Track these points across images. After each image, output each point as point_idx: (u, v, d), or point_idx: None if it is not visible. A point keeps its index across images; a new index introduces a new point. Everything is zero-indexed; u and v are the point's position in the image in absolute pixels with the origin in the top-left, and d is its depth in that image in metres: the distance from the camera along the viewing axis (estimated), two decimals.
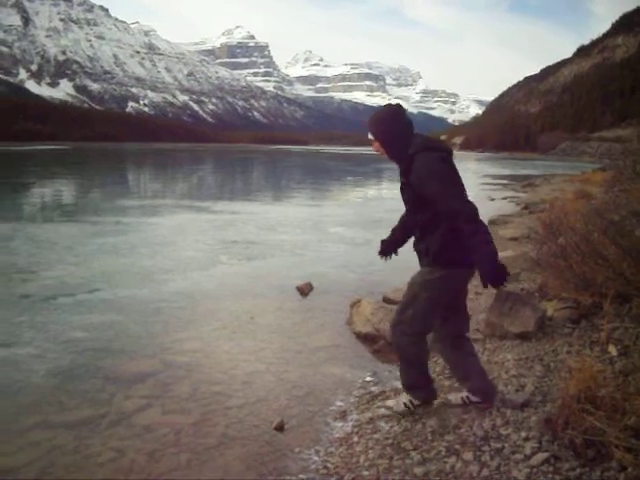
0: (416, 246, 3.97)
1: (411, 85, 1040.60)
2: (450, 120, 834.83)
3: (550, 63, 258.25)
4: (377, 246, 4.35)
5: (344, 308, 6.88)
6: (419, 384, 4.10)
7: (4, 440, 3.99)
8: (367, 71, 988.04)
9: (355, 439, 3.87)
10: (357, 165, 67.18)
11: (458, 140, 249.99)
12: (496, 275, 3.43)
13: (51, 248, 11.10)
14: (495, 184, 35.10)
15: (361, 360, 5.51)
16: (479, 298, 7.17)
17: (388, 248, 4.34)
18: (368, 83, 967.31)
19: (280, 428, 4.11)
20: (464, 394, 4.13)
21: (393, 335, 3.99)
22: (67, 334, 6.07)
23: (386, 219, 16.64)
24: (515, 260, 8.95)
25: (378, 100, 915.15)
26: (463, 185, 3.66)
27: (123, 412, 4.42)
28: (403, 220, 4.36)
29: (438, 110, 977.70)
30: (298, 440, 3.97)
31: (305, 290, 7.94)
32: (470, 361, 4.03)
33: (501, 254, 9.72)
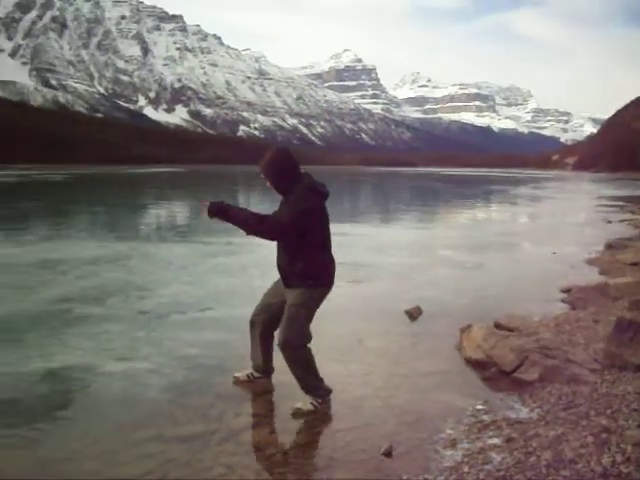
0: (286, 267, 4.77)
1: (522, 104, 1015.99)
2: (562, 139, 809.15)
3: None
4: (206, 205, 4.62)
5: (454, 333, 6.74)
6: (316, 385, 4.90)
7: (123, 450, 4.15)
8: (476, 91, 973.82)
9: (465, 469, 3.76)
10: (466, 187, 66.18)
11: (571, 160, 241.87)
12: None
13: (166, 267, 11.56)
14: (611, 206, 33.62)
15: (471, 387, 5.36)
16: (596, 326, 6.86)
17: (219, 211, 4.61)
18: (477, 103, 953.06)
19: (388, 454, 4.05)
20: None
21: (285, 352, 4.78)
22: (181, 350, 6.26)
23: (496, 242, 16.28)
24: (636, 287, 8.52)
25: (487, 120, 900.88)
26: (323, 223, 4.74)
27: (232, 429, 4.50)
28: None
29: (550, 129, 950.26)
30: (407, 467, 3.89)
31: (414, 314, 7.84)
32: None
33: (620, 280, 9.29)
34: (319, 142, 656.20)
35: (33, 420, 4.60)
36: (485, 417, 4.63)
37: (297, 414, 4.76)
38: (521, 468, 3.60)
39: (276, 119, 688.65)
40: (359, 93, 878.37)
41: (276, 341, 4.89)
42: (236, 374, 5.43)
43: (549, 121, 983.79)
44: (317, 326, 7.39)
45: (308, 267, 4.68)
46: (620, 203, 36.29)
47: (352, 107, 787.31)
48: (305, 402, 4.84)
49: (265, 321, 5.11)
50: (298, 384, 4.89)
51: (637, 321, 5.45)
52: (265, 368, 5.31)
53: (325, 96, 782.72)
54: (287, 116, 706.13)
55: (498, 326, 6.98)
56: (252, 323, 5.23)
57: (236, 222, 4.53)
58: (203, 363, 5.90)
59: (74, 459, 4.01)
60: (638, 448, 3.57)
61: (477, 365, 5.85)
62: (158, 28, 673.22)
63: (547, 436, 4.00)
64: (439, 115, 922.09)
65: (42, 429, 4.46)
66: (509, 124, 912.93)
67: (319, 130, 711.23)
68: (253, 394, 5.14)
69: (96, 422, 4.59)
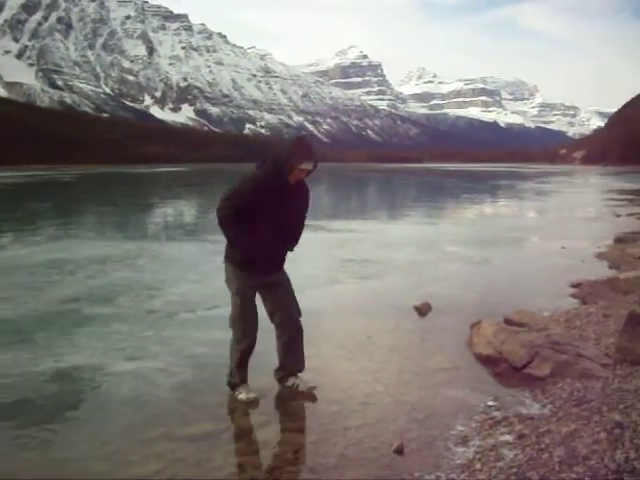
0: (281, 255, 5.19)
1: (528, 99, 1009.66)
2: (569, 134, 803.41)
3: None
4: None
5: (464, 329, 6.71)
6: None
7: (133, 450, 4.15)
8: (482, 86, 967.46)
9: (477, 466, 3.72)
10: (473, 182, 66.03)
11: (579, 154, 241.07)
12: None
13: (175, 266, 11.56)
14: (620, 199, 33.47)
15: (482, 383, 5.33)
16: (607, 321, 6.81)
17: None
18: (483, 98, 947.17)
19: (400, 451, 4.02)
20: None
21: (299, 325, 5.04)
22: (190, 349, 6.26)
23: (504, 237, 16.23)
24: None
25: (494, 115, 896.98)
26: None
27: (243, 428, 4.51)
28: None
29: (557, 124, 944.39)
30: (418, 464, 3.87)
31: (423, 310, 7.81)
32: None
33: (630, 274, 9.24)
34: (325, 139, 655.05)
35: (44, 421, 4.60)
36: (496, 413, 4.59)
37: (311, 388, 5.10)
38: (534, 465, 3.57)
39: (282, 117, 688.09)
40: (365, 90, 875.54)
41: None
42: (246, 398, 4.94)
43: (556, 115, 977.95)
44: (327, 323, 7.40)
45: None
46: (629, 197, 36.11)
47: (358, 104, 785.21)
48: (303, 383, 5.12)
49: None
50: (302, 357, 5.16)
51: None
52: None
53: (331, 93, 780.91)
54: (293, 114, 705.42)
55: (508, 322, 6.96)
56: (250, 347, 4.99)
57: None
58: (212, 362, 5.87)
59: (85, 460, 4.01)
60: None
61: (487, 361, 5.82)
62: (163, 27, 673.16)
63: (559, 432, 3.96)
64: (445, 111, 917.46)
65: (53, 430, 4.46)
66: (516, 119, 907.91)
67: (325, 127, 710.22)
68: (263, 392, 5.11)
69: (106, 422, 4.59)
